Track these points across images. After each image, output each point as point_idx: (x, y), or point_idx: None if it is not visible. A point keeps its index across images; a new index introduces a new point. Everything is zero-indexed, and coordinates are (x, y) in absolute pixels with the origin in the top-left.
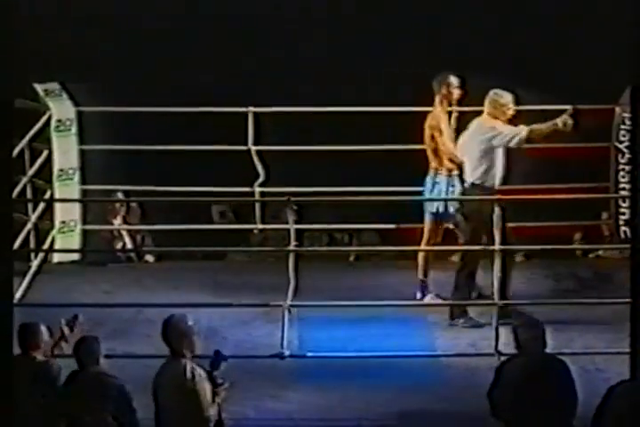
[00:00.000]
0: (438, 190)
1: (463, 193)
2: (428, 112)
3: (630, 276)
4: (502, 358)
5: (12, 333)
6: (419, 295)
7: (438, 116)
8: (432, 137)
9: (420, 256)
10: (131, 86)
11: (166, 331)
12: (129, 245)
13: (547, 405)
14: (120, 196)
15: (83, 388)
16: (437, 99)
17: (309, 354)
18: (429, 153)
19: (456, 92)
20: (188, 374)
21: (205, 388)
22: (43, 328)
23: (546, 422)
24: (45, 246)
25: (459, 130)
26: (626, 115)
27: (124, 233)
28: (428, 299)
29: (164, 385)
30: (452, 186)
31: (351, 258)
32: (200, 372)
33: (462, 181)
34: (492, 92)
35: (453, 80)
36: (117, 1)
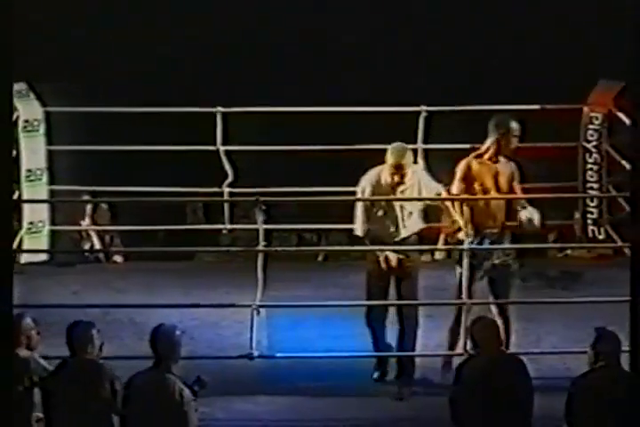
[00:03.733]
0: None
1: None
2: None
3: (630, 276)
4: None
5: (12, 333)
6: None
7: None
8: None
9: None
10: (99, 86)
11: (157, 340)
12: (97, 246)
13: (503, 404)
14: (87, 197)
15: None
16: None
17: (278, 354)
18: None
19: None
20: (177, 397)
21: (193, 410)
22: (27, 321)
23: (503, 422)
24: (13, 247)
25: None
26: (593, 114)
27: (92, 234)
28: None
29: (147, 400)
30: None
31: (320, 258)
32: (187, 393)
33: None
34: None
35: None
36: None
